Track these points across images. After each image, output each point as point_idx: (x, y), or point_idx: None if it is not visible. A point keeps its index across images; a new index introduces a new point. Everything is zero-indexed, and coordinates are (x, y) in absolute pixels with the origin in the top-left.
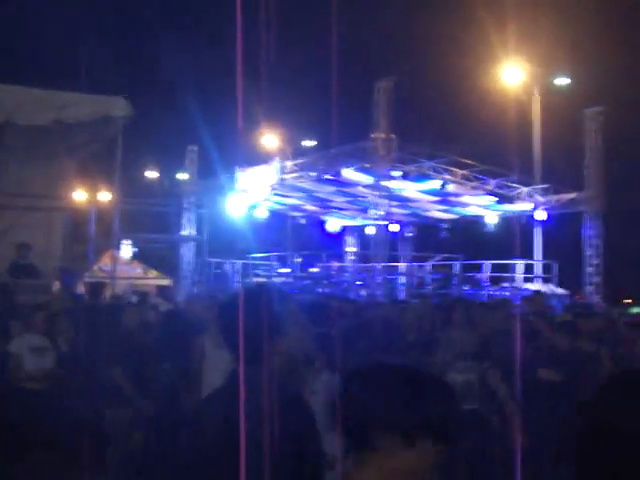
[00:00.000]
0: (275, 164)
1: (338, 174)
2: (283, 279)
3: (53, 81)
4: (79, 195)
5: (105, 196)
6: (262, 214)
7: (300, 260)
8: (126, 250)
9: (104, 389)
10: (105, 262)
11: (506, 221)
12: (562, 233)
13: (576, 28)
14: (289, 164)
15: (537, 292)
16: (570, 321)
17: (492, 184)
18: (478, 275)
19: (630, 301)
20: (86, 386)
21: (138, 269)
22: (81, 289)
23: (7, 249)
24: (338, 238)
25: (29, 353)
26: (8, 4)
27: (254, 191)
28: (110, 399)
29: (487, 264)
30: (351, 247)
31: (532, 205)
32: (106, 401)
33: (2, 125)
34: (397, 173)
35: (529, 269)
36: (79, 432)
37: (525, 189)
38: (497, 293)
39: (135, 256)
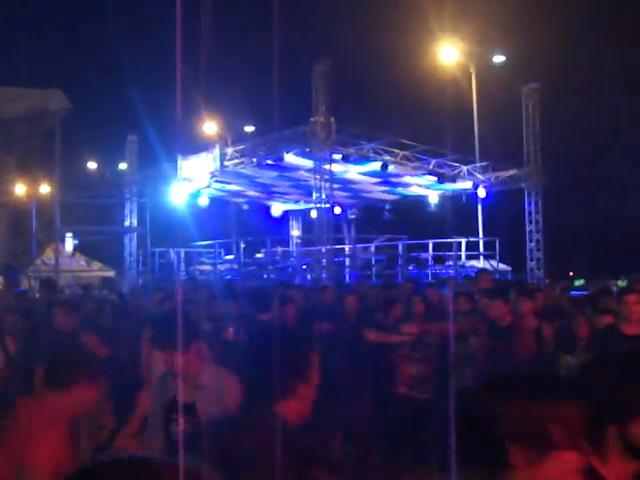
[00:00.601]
0: (215, 151)
1: (279, 159)
2: (228, 266)
3: None
4: (19, 189)
5: (45, 189)
6: (204, 202)
7: (244, 246)
8: (69, 243)
9: None
10: (48, 256)
11: (448, 200)
12: (503, 210)
13: (511, 5)
14: (230, 150)
15: (483, 270)
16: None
17: (432, 163)
18: (422, 255)
19: (572, 274)
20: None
21: (81, 261)
22: (25, 284)
23: None
24: (282, 223)
25: None
26: None
27: (196, 179)
28: None
29: (430, 243)
30: (295, 231)
31: (472, 183)
32: None
33: None
34: (337, 156)
35: (472, 247)
36: None
37: (465, 167)
38: (442, 272)
39: (77, 248)
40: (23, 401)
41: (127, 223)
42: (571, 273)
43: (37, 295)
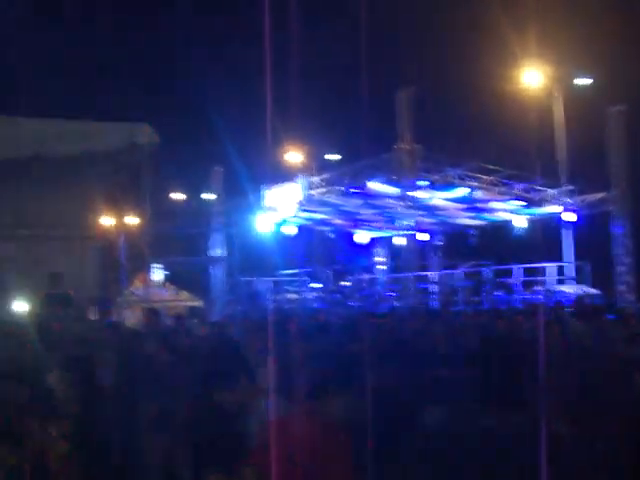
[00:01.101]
0: (301, 180)
1: (364, 187)
2: (315, 294)
3: (79, 110)
4: (108, 221)
5: (133, 221)
6: (290, 230)
7: (331, 274)
8: (157, 273)
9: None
10: (136, 286)
11: (535, 224)
12: (591, 234)
13: (595, 27)
14: (315, 179)
15: (580, 296)
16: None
17: (518, 188)
18: (509, 280)
19: None
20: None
21: (169, 291)
22: (115, 315)
23: (40, 280)
24: (367, 250)
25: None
26: (27, 36)
27: (281, 208)
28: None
29: (518, 268)
30: (381, 258)
31: (560, 207)
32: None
33: (31, 158)
34: (423, 183)
35: (561, 271)
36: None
37: (551, 191)
38: (530, 297)
39: (166, 279)
40: None
41: (214, 252)
42: None
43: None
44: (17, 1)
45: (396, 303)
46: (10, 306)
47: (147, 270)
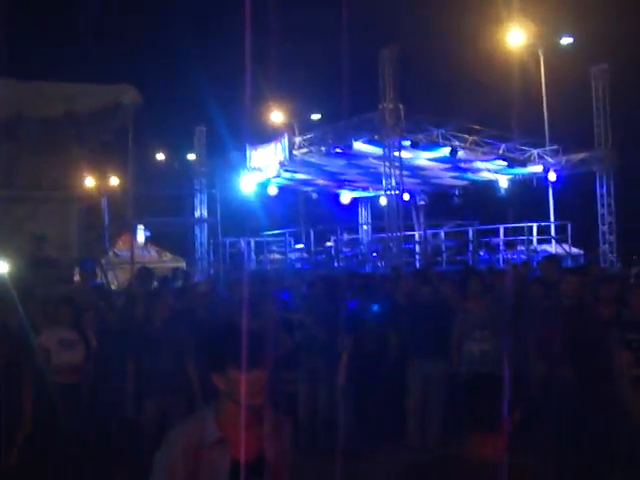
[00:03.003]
0: (284, 140)
1: (348, 147)
2: (298, 255)
3: (62, 72)
4: (91, 182)
5: (115, 182)
6: (273, 191)
7: (314, 235)
8: (140, 234)
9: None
10: (120, 247)
11: (518, 184)
12: (575, 194)
13: None
14: (298, 140)
15: (549, 257)
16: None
17: (502, 148)
18: (493, 240)
19: None
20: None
21: (152, 252)
22: (99, 276)
23: (23, 242)
24: (351, 210)
25: (58, 347)
26: None
27: (265, 169)
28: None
29: (501, 228)
30: (364, 219)
31: (542, 167)
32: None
33: (14, 119)
34: (406, 143)
35: (544, 231)
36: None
37: (535, 151)
38: (513, 257)
39: (149, 240)
40: None
41: (197, 214)
42: None
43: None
44: None
45: (380, 264)
46: None
47: (131, 231)
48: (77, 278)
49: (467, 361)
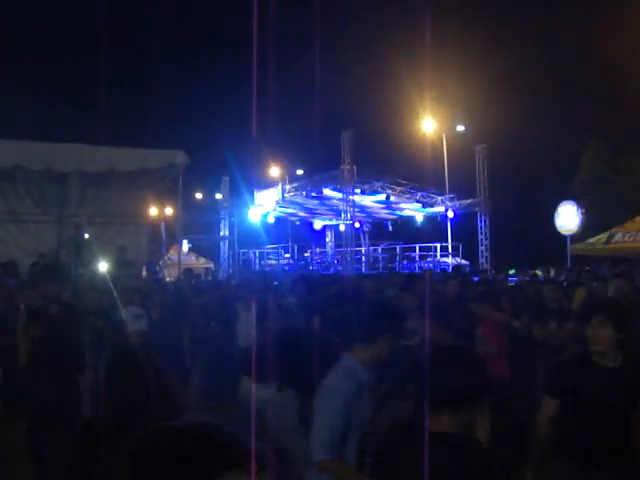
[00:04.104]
0: (279, 187)
1: (320, 192)
2: (286, 261)
3: (138, 140)
4: (154, 212)
5: (170, 211)
6: (271, 220)
7: (297, 249)
8: (185, 246)
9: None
10: (171, 254)
11: (428, 219)
12: (464, 225)
13: (471, 91)
14: (288, 187)
15: (456, 265)
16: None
17: (418, 195)
18: (412, 254)
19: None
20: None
21: (192, 257)
22: (158, 273)
23: (112, 250)
24: (321, 233)
25: (131, 319)
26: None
27: (266, 204)
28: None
29: (417, 247)
30: (330, 239)
31: (444, 208)
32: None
33: (107, 172)
34: (357, 190)
35: (444, 248)
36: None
37: (439, 197)
38: (425, 265)
39: (190, 249)
40: None
41: (222, 233)
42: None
43: (179, 280)
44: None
45: (339, 268)
46: (95, 268)
47: (178, 243)
48: (145, 274)
49: None
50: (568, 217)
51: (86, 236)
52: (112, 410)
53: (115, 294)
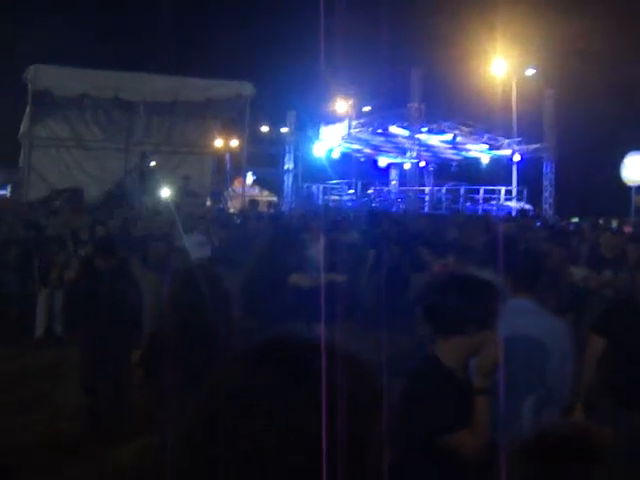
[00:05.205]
0: (345, 122)
1: (386, 129)
2: (349, 197)
3: (206, 71)
4: (220, 143)
5: (235, 143)
6: (336, 155)
7: (360, 185)
8: (249, 178)
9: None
10: (235, 186)
11: (494, 161)
12: (530, 170)
13: (540, 32)
14: (354, 122)
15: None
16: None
17: (485, 137)
18: (476, 196)
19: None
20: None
21: (256, 190)
22: (222, 203)
23: (176, 180)
24: (385, 171)
25: (194, 246)
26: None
27: (331, 140)
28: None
29: (482, 189)
30: (394, 177)
31: (511, 151)
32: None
33: (174, 102)
34: (424, 129)
35: (508, 192)
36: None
37: (506, 140)
38: (488, 208)
39: (254, 181)
40: None
41: (286, 167)
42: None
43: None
44: None
45: (402, 206)
46: (159, 195)
47: (243, 175)
48: (209, 204)
49: None
50: (634, 168)
51: (152, 164)
52: (173, 326)
53: (179, 222)
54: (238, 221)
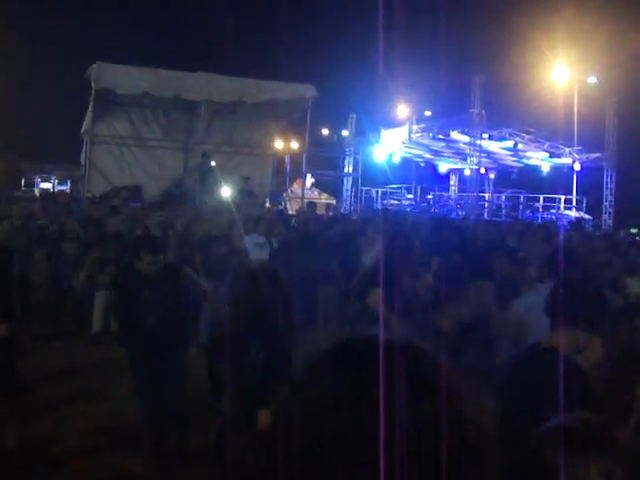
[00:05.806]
0: (406, 127)
1: (447, 135)
2: (408, 202)
3: (268, 73)
4: (280, 145)
5: (295, 145)
6: (396, 159)
7: (420, 190)
8: (308, 180)
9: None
10: (294, 188)
11: (554, 169)
12: (590, 179)
13: (603, 40)
14: (415, 127)
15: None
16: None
17: (546, 145)
18: (535, 204)
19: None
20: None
21: (315, 192)
22: (282, 204)
23: (237, 180)
24: (445, 177)
25: (253, 247)
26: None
27: (391, 144)
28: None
29: (541, 197)
30: (453, 182)
31: (571, 159)
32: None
33: (236, 102)
34: (485, 135)
35: (568, 201)
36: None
37: (567, 149)
38: (547, 216)
39: (313, 184)
40: None
41: (346, 170)
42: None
43: (303, 213)
44: None
45: (461, 213)
46: (219, 195)
47: (302, 178)
48: (267, 205)
49: None
50: None
51: (212, 164)
52: (233, 321)
53: (239, 222)
54: (295, 224)
